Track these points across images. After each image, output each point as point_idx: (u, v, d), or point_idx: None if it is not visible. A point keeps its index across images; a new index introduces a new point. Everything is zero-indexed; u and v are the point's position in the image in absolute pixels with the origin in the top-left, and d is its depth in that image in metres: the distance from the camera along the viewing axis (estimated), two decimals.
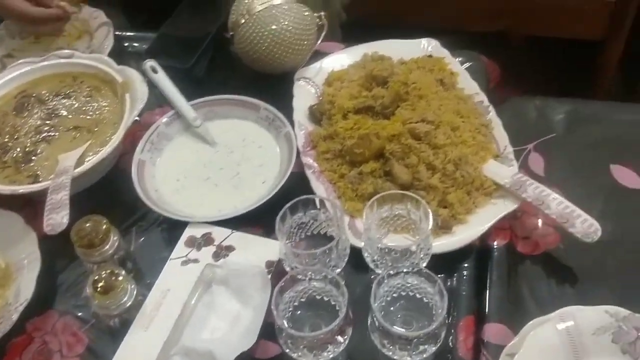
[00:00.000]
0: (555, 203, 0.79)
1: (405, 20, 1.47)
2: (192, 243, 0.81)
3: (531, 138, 0.94)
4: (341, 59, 1.04)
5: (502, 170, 0.85)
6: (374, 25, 1.26)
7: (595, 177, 0.89)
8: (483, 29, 1.48)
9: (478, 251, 0.82)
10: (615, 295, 0.75)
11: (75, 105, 0.96)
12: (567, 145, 0.93)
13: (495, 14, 1.45)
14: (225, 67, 1.09)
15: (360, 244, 0.77)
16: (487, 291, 0.78)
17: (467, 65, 1.03)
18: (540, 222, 0.84)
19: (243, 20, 0.98)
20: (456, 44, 1.07)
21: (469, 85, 0.97)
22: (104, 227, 0.78)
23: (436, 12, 1.49)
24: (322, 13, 1.03)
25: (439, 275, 0.78)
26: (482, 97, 0.95)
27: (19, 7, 1.02)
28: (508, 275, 0.80)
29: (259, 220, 0.84)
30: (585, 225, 0.77)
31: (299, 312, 0.71)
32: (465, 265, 0.81)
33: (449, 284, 0.80)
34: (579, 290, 0.78)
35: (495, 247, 0.82)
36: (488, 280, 0.79)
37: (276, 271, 0.78)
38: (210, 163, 0.92)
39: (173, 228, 0.86)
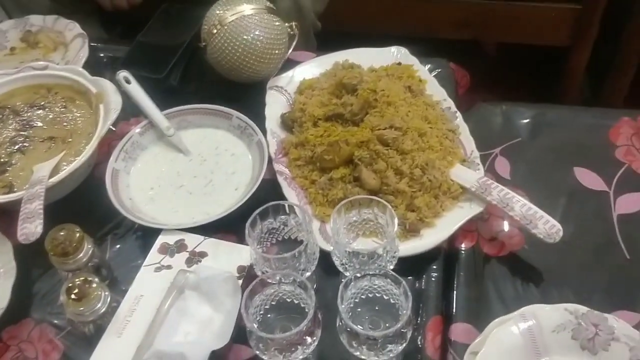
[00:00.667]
0: (519, 205, 0.82)
1: (378, 28, 1.50)
2: (165, 250, 0.83)
3: (497, 143, 0.97)
4: (313, 68, 1.06)
5: (468, 174, 0.88)
6: (348, 33, 1.29)
7: (558, 179, 0.92)
8: (453, 37, 1.51)
9: (446, 253, 0.85)
10: (575, 293, 0.78)
11: (50, 116, 0.98)
12: (532, 149, 0.96)
13: (463, 22, 1.48)
14: (199, 77, 1.10)
15: (330, 248, 0.79)
16: (454, 292, 0.81)
17: (436, 72, 1.06)
18: (505, 224, 0.87)
19: (215, 31, 0.99)
20: (427, 52, 1.10)
21: (437, 92, 0.99)
22: (78, 235, 0.79)
23: (407, 20, 1.52)
24: (294, 23, 1.05)
25: (408, 278, 0.81)
26: (450, 104, 0.97)
27: None
28: (475, 276, 0.82)
29: (232, 227, 0.86)
30: (547, 227, 0.80)
31: (269, 315, 0.73)
32: (434, 267, 0.83)
33: (417, 285, 0.82)
34: (543, 289, 0.80)
35: (462, 249, 0.85)
36: (455, 282, 0.82)
37: (248, 276, 0.79)
38: (183, 171, 0.94)
39: (148, 236, 0.87)
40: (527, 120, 0.99)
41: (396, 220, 0.74)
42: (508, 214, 0.82)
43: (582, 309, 0.71)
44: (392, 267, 0.76)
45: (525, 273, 0.82)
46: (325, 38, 1.38)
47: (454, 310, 0.79)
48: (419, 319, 0.78)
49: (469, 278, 0.82)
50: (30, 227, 0.79)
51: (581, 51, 1.55)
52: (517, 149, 0.96)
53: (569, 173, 0.92)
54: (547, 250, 0.82)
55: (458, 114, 0.96)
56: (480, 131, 0.95)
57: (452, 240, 0.85)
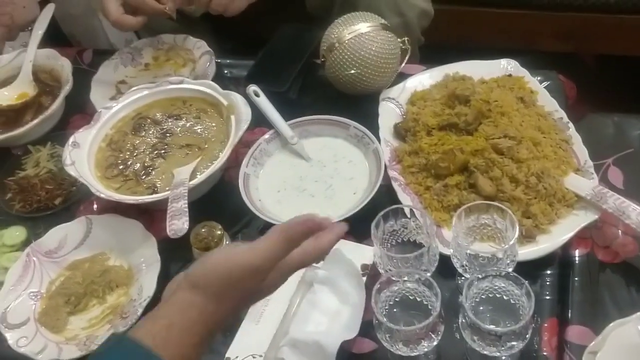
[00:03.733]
0: (635, 214, 0.84)
1: (479, 41, 1.53)
2: None
3: (610, 153, 0.98)
4: (423, 80, 1.11)
5: (582, 183, 0.90)
6: (449, 47, 1.34)
7: None
8: (554, 49, 1.52)
9: (560, 259, 0.88)
10: None
11: (186, 126, 1.08)
12: None
13: (566, 34, 1.49)
14: (315, 90, 1.18)
15: (447, 251, 0.84)
16: (570, 296, 0.84)
17: (545, 84, 1.08)
18: (620, 232, 0.88)
19: (334, 48, 1.07)
20: (530, 64, 1.12)
21: (548, 103, 1.02)
22: (219, 232, 0.88)
23: (508, 33, 1.54)
24: (406, 38, 1.11)
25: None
26: (562, 114, 1.00)
27: None
28: (589, 281, 0.85)
29: (350, 228, 0.92)
30: None
31: (394, 310, 0.78)
32: (548, 272, 0.87)
33: (532, 289, 0.84)
34: None
35: (576, 255, 0.87)
36: (570, 286, 0.84)
37: (371, 274, 0.86)
38: (305, 176, 1.02)
39: None
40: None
41: (517, 225, 0.78)
42: (624, 222, 0.84)
43: None
44: (510, 270, 0.79)
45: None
46: (427, 51, 1.43)
47: (570, 313, 0.82)
48: (534, 321, 0.81)
49: (583, 283, 0.85)
50: (178, 224, 0.88)
51: None
52: (630, 159, 0.97)
53: None
54: None
55: (570, 124, 0.99)
56: (591, 141, 0.97)
57: (567, 246, 0.88)
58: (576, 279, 0.85)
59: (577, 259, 0.87)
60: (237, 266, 0.61)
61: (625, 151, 0.98)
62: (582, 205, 0.89)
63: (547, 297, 0.84)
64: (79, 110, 1.22)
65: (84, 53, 1.35)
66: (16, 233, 1.03)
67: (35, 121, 1.13)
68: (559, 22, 1.46)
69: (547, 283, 0.85)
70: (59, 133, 1.17)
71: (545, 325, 0.81)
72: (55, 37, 1.46)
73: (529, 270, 0.85)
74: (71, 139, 1.03)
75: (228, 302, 0.61)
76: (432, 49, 1.39)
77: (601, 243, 0.88)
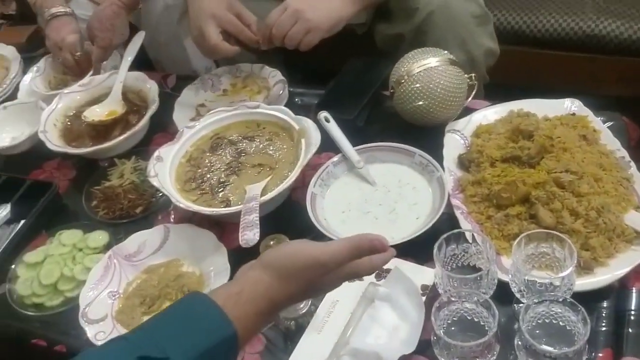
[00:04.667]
0: None
1: (543, 82, 1.55)
2: None
3: None
4: (488, 114, 1.16)
5: None
6: (514, 86, 1.37)
7: None
8: (618, 93, 1.53)
9: (617, 292, 0.89)
10: None
11: (259, 147, 1.15)
12: None
13: (630, 79, 1.51)
14: (382, 120, 1.24)
15: (505, 277, 0.87)
16: (625, 329, 0.85)
17: (608, 124, 1.11)
18: None
19: (403, 80, 1.13)
20: (594, 105, 1.15)
21: (610, 142, 1.05)
22: None
23: (573, 75, 1.56)
24: (473, 74, 1.16)
25: None
26: (624, 153, 1.02)
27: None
28: None
29: (411, 251, 0.97)
30: None
31: (452, 328, 0.82)
32: (604, 304, 0.88)
33: (588, 320, 0.87)
34: None
35: (633, 289, 0.89)
36: (626, 319, 0.86)
37: (430, 294, 0.89)
38: (370, 199, 1.07)
39: None
40: None
41: (575, 254, 0.80)
42: None
43: None
44: (568, 297, 0.82)
45: None
46: (492, 89, 1.47)
47: (625, 345, 0.83)
48: (589, 350, 0.83)
49: (639, 318, 0.86)
50: (250, 234, 0.94)
51: None
52: None
53: None
54: None
55: (632, 163, 1.01)
56: None
57: (624, 280, 0.89)
58: (632, 312, 0.86)
59: (633, 293, 0.88)
60: (306, 257, 0.70)
61: None
62: None
63: (603, 329, 0.86)
64: (161, 129, 1.32)
65: (168, 78, 1.46)
66: (99, 237, 1.11)
67: (123, 136, 1.23)
68: (624, 66, 1.48)
69: (603, 314, 0.87)
70: (142, 149, 1.26)
71: (600, 355, 0.83)
72: (141, 62, 1.58)
73: (585, 300, 0.86)
74: (156, 154, 1.12)
75: (291, 285, 0.70)
76: (498, 87, 1.43)
77: None
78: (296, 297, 0.73)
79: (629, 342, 0.84)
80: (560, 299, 0.78)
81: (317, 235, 1.02)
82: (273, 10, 1.17)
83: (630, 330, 0.85)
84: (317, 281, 0.71)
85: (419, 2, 1.29)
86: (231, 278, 0.98)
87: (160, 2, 1.42)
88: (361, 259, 0.72)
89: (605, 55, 1.48)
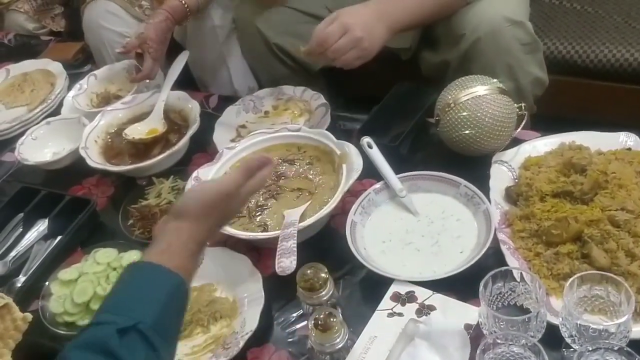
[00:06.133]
0: None
1: (595, 114, 1.49)
2: (397, 298, 0.91)
3: None
4: (537, 146, 1.11)
5: None
6: (564, 118, 1.32)
7: None
8: None
9: None
10: None
11: (299, 170, 1.13)
12: None
13: None
14: (426, 148, 1.21)
15: (555, 320, 0.82)
16: None
17: None
18: None
19: (449, 108, 1.09)
20: None
21: None
22: (323, 274, 0.91)
23: (626, 109, 1.50)
24: (523, 104, 1.12)
25: None
26: None
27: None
28: None
29: (454, 287, 0.92)
30: None
31: None
32: None
33: None
34: None
35: None
36: None
37: (475, 334, 0.85)
38: (412, 230, 1.03)
39: (376, 285, 0.96)
40: None
41: (633, 299, 0.75)
42: None
43: None
44: (624, 345, 0.76)
45: None
46: (541, 119, 1.42)
47: None
48: None
49: None
50: (286, 262, 0.92)
51: None
52: None
53: None
54: None
55: None
56: None
57: None
58: None
59: None
60: (211, 193, 0.81)
61: None
62: None
63: None
64: (201, 149, 1.31)
65: (210, 98, 1.45)
66: (134, 257, 1.09)
67: (162, 155, 1.22)
68: None
69: None
70: (181, 168, 1.25)
71: None
72: (185, 81, 1.58)
73: None
74: (194, 174, 1.11)
75: (208, 221, 0.80)
76: (546, 118, 1.38)
77: None
78: (216, 226, 0.83)
79: None
80: (616, 348, 0.72)
81: (355, 265, 0.99)
82: (329, 29, 1.14)
83: None
84: (227, 209, 0.83)
85: (466, 28, 1.26)
86: (266, 306, 0.96)
87: (208, 22, 1.43)
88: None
89: None
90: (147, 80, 1.44)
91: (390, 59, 1.56)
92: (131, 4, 1.54)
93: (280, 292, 0.98)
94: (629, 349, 0.71)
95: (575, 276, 0.79)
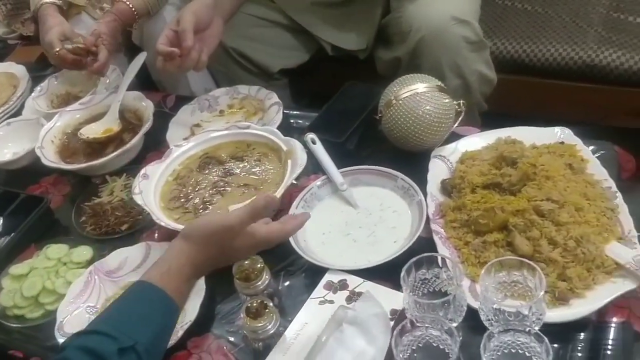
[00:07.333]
0: None
1: (545, 112, 1.53)
2: (330, 287, 0.94)
3: None
4: (476, 142, 1.14)
5: (624, 251, 0.89)
6: (516, 116, 1.36)
7: None
8: (625, 125, 1.51)
9: (595, 325, 0.86)
10: None
11: (247, 167, 1.16)
12: None
13: (632, 110, 1.48)
14: (372, 144, 1.24)
15: (476, 304, 0.85)
16: None
17: (599, 153, 1.08)
18: None
19: (391, 105, 1.13)
20: (592, 135, 1.13)
21: (598, 172, 1.02)
22: (259, 265, 0.94)
23: (577, 106, 1.53)
24: (461, 101, 1.15)
25: (554, 344, 0.84)
26: (611, 183, 1.00)
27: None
28: (622, 351, 0.83)
29: (388, 275, 0.95)
30: None
31: (415, 354, 0.80)
32: (581, 337, 0.85)
33: (561, 352, 0.84)
34: None
35: (611, 323, 0.86)
36: (602, 353, 0.83)
37: (399, 319, 0.88)
38: (351, 222, 1.06)
39: (315, 275, 0.99)
40: None
41: (544, 282, 0.78)
42: None
43: None
44: (537, 328, 0.79)
45: None
46: (493, 118, 1.46)
47: None
48: None
49: (616, 352, 0.83)
50: None
51: None
52: None
53: None
54: None
55: (618, 193, 0.98)
56: None
57: (602, 313, 0.86)
58: (609, 346, 0.83)
59: (611, 327, 0.85)
60: (215, 223, 0.83)
61: None
62: (621, 274, 0.88)
63: None
64: (156, 148, 1.33)
65: (168, 98, 1.48)
66: (84, 252, 1.12)
67: (114, 153, 1.25)
68: (626, 97, 1.45)
69: (579, 347, 0.84)
70: (134, 167, 1.28)
71: None
72: (146, 83, 1.62)
73: (561, 332, 0.85)
74: (142, 171, 1.14)
75: (208, 249, 0.83)
76: (498, 116, 1.40)
77: (639, 313, 0.86)
78: (215, 259, 0.85)
79: None
80: (527, 329, 0.76)
81: (297, 257, 1.01)
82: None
83: None
84: (228, 244, 0.83)
85: (413, 25, 1.30)
86: (207, 297, 0.98)
87: (160, 23, 1.46)
88: (271, 225, 0.86)
89: (606, 85, 1.45)
90: (107, 81, 1.47)
91: (349, 60, 1.60)
92: (92, 6, 1.57)
93: (224, 284, 1.01)
94: (538, 332, 0.75)
95: (491, 262, 0.82)
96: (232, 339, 0.96)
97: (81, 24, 1.53)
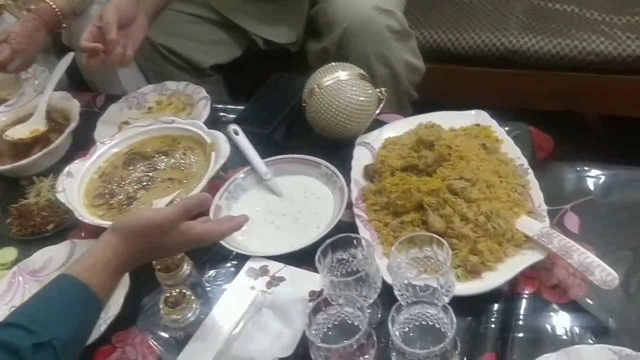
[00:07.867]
0: (578, 254, 0.85)
1: (471, 99, 1.56)
2: (252, 273, 0.95)
3: (569, 199, 1.00)
4: (399, 127, 1.17)
5: (533, 224, 0.93)
6: (443, 104, 1.39)
7: (628, 236, 0.93)
8: (546, 109, 1.55)
9: (506, 297, 0.89)
10: (633, 343, 0.78)
11: (172, 161, 1.16)
12: (604, 208, 0.98)
13: (556, 94, 1.53)
14: (300, 134, 1.25)
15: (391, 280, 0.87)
16: (511, 333, 0.84)
17: (514, 134, 1.12)
18: (568, 273, 0.90)
19: (314, 93, 1.14)
20: (515, 118, 1.16)
21: (512, 151, 1.06)
22: (179, 256, 0.94)
23: (500, 92, 1.57)
24: (383, 89, 1.18)
25: (467, 317, 0.87)
26: (523, 161, 1.03)
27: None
28: (533, 320, 0.86)
29: (310, 259, 0.94)
30: (603, 274, 0.82)
31: (330, 333, 0.81)
32: (494, 308, 0.88)
33: (474, 324, 0.87)
34: (600, 338, 0.82)
35: (523, 294, 0.89)
36: (513, 324, 0.85)
37: (318, 299, 0.89)
38: (275, 210, 1.08)
39: (239, 264, 1.00)
40: (601, 180, 1.02)
41: (450, 254, 0.81)
42: (567, 261, 0.86)
43: (627, 350, 0.72)
44: (447, 300, 0.82)
45: (584, 321, 0.84)
46: (421, 106, 1.49)
47: (510, 349, 0.83)
48: (474, 354, 0.83)
49: (527, 321, 0.85)
50: None
51: None
52: (588, 206, 0.99)
53: None
54: (609, 301, 0.84)
55: (530, 170, 1.01)
56: (553, 188, 1.00)
57: (514, 285, 0.89)
58: (520, 316, 0.86)
59: (523, 297, 0.88)
60: (145, 219, 0.82)
61: (583, 198, 1.00)
62: (531, 246, 0.91)
63: (489, 333, 0.85)
64: (84, 147, 1.32)
65: (97, 97, 1.47)
66: (8, 253, 1.11)
67: (40, 153, 1.24)
68: (547, 80, 1.50)
69: (492, 319, 0.87)
70: (62, 166, 1.26)
71: (483, 359, 0.82)
72: (78, 83, 1.60)
73: (475, 305, 0.88)
74: (66, 169, 1.13)
75: (135, 244, 0.82)
76: (427, 104, 1.43)
77: (548, 283, 0.89)
78: (142, 254, 0.83)
79: (514, 346, 0.83)
80: (434, 301, 0.78)
81: (220, 248, 1.02)
82: None
83: (516, 334, 0.84)
84: (156, 241, 0.82)
85: (338, 15, 1.32)
86: (131, 291, 0.98)
87: (88, 23, 1.44)
88: (207, 225, 0.85)
89: (527, 70, 1.50)
90: (36, 82, 1.45)
91: (283, 54, 1.61)
92: (18, 8, 1.55)
93: (149, 277, 1.01)
94: (446, 304, 0.77)
95: (401, 239, 0.84)
96: (157, 331, 0.96)
97: (4, 23, 1.50)
